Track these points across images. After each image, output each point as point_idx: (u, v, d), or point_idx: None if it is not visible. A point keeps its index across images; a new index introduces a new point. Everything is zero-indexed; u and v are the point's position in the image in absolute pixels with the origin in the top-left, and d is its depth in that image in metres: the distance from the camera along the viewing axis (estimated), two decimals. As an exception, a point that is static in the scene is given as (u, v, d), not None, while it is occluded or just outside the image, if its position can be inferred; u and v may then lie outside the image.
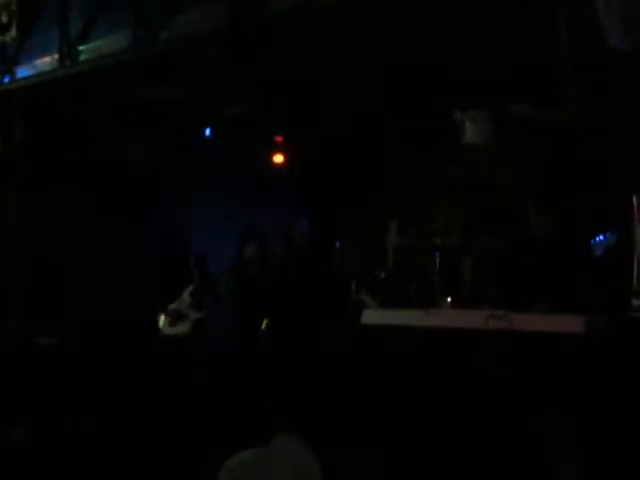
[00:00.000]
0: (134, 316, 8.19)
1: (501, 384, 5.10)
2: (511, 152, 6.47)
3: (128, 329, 8.06)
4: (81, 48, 6.57)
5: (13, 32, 6.78)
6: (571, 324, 4.90)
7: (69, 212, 8.54)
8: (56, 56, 6.69)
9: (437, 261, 6.49)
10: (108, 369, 7.64)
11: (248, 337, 7.55)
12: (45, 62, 6.80)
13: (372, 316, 5.92)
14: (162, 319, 7.94)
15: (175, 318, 7.84)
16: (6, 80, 7.11)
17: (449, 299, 6.02)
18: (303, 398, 5.84)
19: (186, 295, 7.97)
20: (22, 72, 7.04)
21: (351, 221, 8.49)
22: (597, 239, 5.75)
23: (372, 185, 8.33)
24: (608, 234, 5.67)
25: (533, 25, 5.34)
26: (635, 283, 5.20)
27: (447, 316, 5.56)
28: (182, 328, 7.77)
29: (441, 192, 7.33)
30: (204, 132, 7.84)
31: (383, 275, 7.67)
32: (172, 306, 7.96)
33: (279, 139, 8.80)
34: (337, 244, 7.89)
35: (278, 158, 9.04)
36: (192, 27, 6.03)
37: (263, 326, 7.36)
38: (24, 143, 7.62)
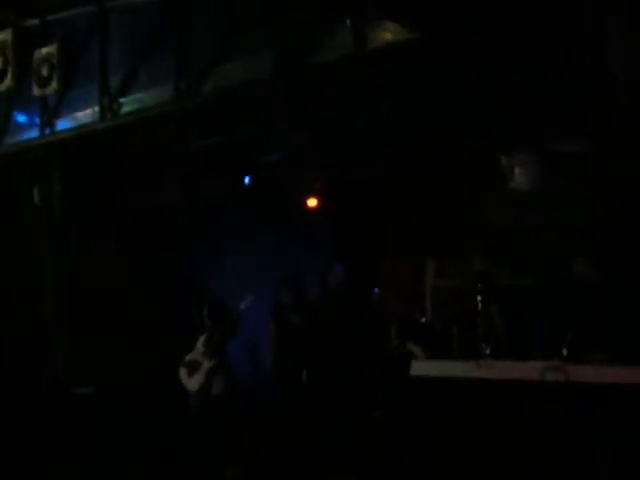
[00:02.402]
0: (153, 365, 8.12)
1: (559, 437, 4.97)
2: (558, 194, 6.37)
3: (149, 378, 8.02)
4: (122, 100, 6.59)
5: (54, 85, 6.82)
6: (632, 375, 4.77)
7: (96, 258, 8.52)
8: (97, 108, 6.72)
9: (479, 305, 6.36)
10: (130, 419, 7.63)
11: (287, 384, 7.47)
12: (86, 114, 6.83)
13: (421, 368, 5.79)
14: (181, 371, 7.86)
15: (192, 369, 7.77)
16: (46, 132, 7.13)
17: (490, 348, 5.84)
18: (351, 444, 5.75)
19: (200, 344, 7.89)
20: (62, 124, 7.06)
21: (388, 265, 8.39)
22: None
23: (408, 227, 8.24)
24: None
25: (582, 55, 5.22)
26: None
27: (500, 367, 5.41)
28: (198, 379, 7.69)
29: (483, 235, 7.23)
30: (242, 179, 7.79)
31: (423, 320, 7.55)
32: (188, 357, 7.90)
33: (317, 185, 8.74)
34: (375, 290, 7.79)
35: (312, 202, 8.97)
36: (234, 77, 6.05)
37: (303, 376, 7.25)
38: (62, 194, 7.62)
